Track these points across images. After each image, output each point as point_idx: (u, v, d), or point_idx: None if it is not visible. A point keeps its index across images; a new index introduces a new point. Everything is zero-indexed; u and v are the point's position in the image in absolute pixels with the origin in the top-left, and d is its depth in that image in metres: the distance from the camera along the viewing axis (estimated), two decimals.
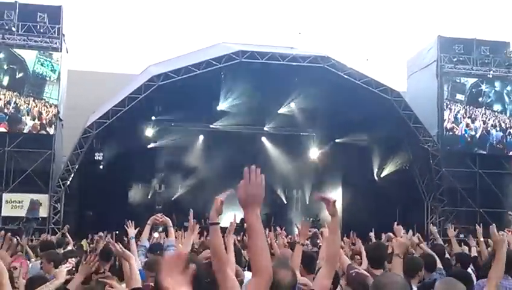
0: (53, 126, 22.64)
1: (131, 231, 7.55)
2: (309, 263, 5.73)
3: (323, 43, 48.23)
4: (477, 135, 24.91)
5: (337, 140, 26.96)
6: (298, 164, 27.80)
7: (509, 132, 25.16)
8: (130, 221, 7.60)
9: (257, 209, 2.84)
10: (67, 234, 13.57)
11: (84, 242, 14.12)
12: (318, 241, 12.04)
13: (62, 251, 9.04)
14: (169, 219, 7.42)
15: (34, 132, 22.48)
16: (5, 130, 22.30)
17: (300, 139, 27.96)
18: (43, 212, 21.81)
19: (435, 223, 24.09)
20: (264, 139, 28.12)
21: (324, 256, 4.27)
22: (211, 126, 26.62)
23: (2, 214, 21.74)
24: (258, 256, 2.83)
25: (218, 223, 3.56)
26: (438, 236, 10.66)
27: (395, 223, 5.75)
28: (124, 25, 51.74)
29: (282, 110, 26.05)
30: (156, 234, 15.00)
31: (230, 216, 7.10)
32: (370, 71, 24.44)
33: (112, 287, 4.53)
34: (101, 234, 13.28)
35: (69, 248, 10.76)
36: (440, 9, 52.44)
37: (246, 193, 2.80)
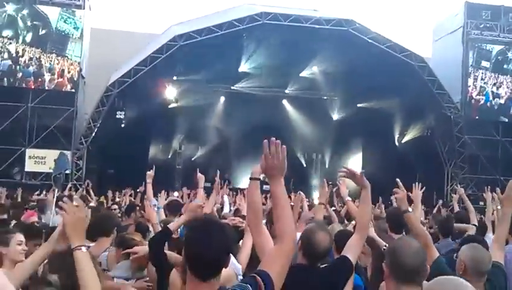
0: (75, 83, 22.72)
1: (162, 202, 7.63)
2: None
3: (347, 7, 47.54)
4: (502, 102, 24.60)
5: (359, 104, 26.79)
6: (319, 128, 27.70)
7: None
8: (163, 192, 7.65)
9: (280, 180, 2.97)
10: (90, 190, 13.83)
11: (103, 198, 14.32)
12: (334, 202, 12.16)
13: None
14: (203, 177, 7.25)
15: (57, 89, 22.59)
16: (31, 87, 22.44)
17: (322, 103, 27.77)
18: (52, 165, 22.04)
19: (455, 190, 24.00)
20: (285, 102, 28.00)
21: (356, 224, 4.28)
22: (232, 88, 26.54)
23: (26, 169, 22.10)
24: (282, 224, 2.89)
25: (259, 179, 3.50)
26: (456, 204, 10.55)
27: (415, 186, 5.63)
28: None
29: (305, 73, 25.88)
30: (175, 193, 15.23)
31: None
32: (395, 36, 24.14)
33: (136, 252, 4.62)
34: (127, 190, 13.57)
35: (91, 204, 10.97)
36: None
37: (268, 165, 2.94)
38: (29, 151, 22.13)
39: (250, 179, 3.55)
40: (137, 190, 13.35)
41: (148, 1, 49.59)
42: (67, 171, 15.12)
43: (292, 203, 8.86)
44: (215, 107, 27.27)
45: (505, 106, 24.59)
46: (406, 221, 4.73)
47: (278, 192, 2.94)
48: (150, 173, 7.68)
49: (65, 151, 15.12)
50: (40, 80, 22.55)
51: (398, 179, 5.00)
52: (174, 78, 25.25)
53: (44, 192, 13.74)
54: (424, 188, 5.62)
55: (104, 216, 6.12)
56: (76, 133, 22.78)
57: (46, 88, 22.57)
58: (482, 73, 24.68)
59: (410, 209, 4.89)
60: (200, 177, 7.12)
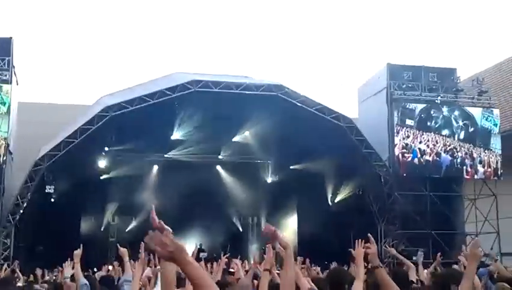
0: (2, 159, 21.99)
1: (68, 271, 7.39)
2: None
3: (276, 72, 48.94)
4: (428, 159, 25.42)
5: (291, 167, 27.16)
6: (253, 192, 27.86)
7: (458, 155, 25.80)
8: (68, 260, 7.45)
9: (183, 259, 2.36)
10: (17, 270, 13.22)
11: (32, 277, 13.68)
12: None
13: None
14: (125, 251, 7.25)
15: None
16: None
17: (255, 167, 28.06)
18: None
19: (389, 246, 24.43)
20: (219, 167, 28.10)
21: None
22: (166, 156, 26.47)
23: None
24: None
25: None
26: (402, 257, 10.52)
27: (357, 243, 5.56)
28: (76, 56, 51.20)
29: (237, 138, 26.14)
30: (110, 267, 14.77)
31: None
32: (323, 98, 24.90)
33: None
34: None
35: (19, 284, 10.49)
36: (389, 37, 53.94)
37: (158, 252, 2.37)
38: None
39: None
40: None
41: (77, 73, 49.45)
42: None
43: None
44: (149, 176, 27.02)
45: (432, 162, 25.41)
46: (377, 277, 4.74)
47: (190, 273, 2.37)
48: (77, 253, 7.35)
49: None
50: None
51: (369, 235, 4.97)
52: (106, 148, 24.93)
53: None
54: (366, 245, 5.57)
55: None
56: (4, 210, 21.88)
57: None
58: (408, 131, 25.55)
59: (381, 264, 4.86)
60: (123, 252, 7.12)
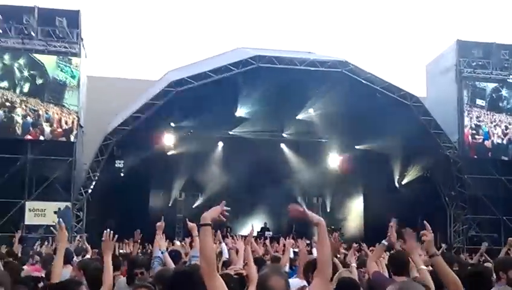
0: (74, 133, 22.58)
1: (163, 245, 7.57)
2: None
3: (342, 48, 48.21)
4: (499, 141, 24.60)
5: (356, 146, 26.78)
6: (318, 171, 27.60)
7: None
8: (156, 235, 7.63)
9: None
10: (85, 242, 13.66)
11: None
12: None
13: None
14: (195, 226, 7.36)
15: (55, 139, 22.48)
16: (31, 138, 22.29)
17: (319, 146, 27.74)
18: (55, 219, 21.71)
19: (458, 231, 23.85)
20: (283, 145, 28.01)
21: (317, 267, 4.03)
22: (230, 133, 26.58)
23: (26, 222, 21.68)
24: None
25: (210, 225, 3.58)
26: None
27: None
28: (142, 30, 52.02)
29: (301, 116, 25.92)
30: (177, 243, 15.04)
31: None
32: (389, 76, 24.38)
33: None
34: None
35: (88, 256, 10.82)
36: (459, 13, 52.05)
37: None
38: (29, 204, 21.80)
39: (201, 225, 3.60)
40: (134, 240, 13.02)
41: (143, 47, 50.24)
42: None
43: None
44: (214, 153, 27.23)
45: (503, 145, 24.58)
46: (434, 266, 4.61)
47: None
48: (160, 224, 7.78)
49: (68, 204, 14.95)
50: (38, 130, 22.42)
51: (425, 221, 4.83)
52: (172, 124, 25.23)
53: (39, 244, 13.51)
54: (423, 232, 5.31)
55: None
56: (76, 183, 22.54)
57: (44, 139, 22.44)
58: (478, 111, 24.76)
59: (438, 253, 4.72)
60: (192, 227, 7.22)
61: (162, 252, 7.35)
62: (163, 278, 5.07)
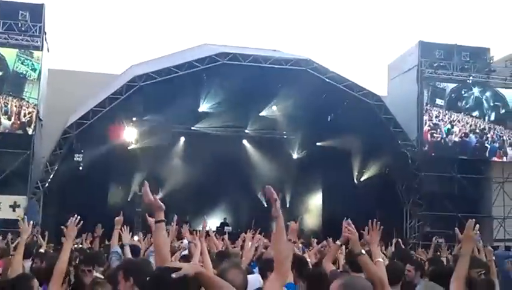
0: (32, 126, 22.24)
1: (126, 237, 7.49)
2: (301, 267, 5.72)
3: (306, 47, 48.53)
4: (456, 140, 25.10)
5: (318, 143, 27.01)
6: (279, 167, 27.73)
7: (487, 137, 25.42)
8: (125, 227, 7.55)
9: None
10: (39, 236, 13.42)
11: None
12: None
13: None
14: (154, 221, 7.28)
15: (13, 132, 22.11)
16: None
17: (281, 142, 27.94)
18: (20, 214, 21.38)
19: (414, 227, 24.33)
20: (245, 141, 28.08)
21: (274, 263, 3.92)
22: (193, 128, 26.51)
23: None
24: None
25: (164, 221, 3.62)
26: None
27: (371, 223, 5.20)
28: (106, 24, 51.40)
29: (264, 112, 26.07)
30: (136, 237, 14.90)
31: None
32: (351, 75, 24.64)
33: None
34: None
35: (41, 250, 10.64)
36: (421, 14, 52.92)
37: None
38: None
39: (156, 222, 3.68)
40: (94, 234, 12.87)
41: (107, 41, 49.62)
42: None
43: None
44: (176, 147, 27.13)
45: (460, 143, 25.10)
46: (360, 263, 4.71)
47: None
48: (119, 219, 7.66)
49: (19, 197, 14.58)
50: None
51: (349, 220, 4.92)
52: (134, 119, 25.05)
53: None
54: (381, 227, 5.20)
55: None
56: (33, 177, 22.19)
57: (1, 131, 22.03)
58: (437, 111, 25.22)
59: (363, 251, 4.81)
60: (151, 221, 7.14)
61: (123, 245, 7.30)
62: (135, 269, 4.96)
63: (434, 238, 12.15)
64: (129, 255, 7.08)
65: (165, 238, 3.70)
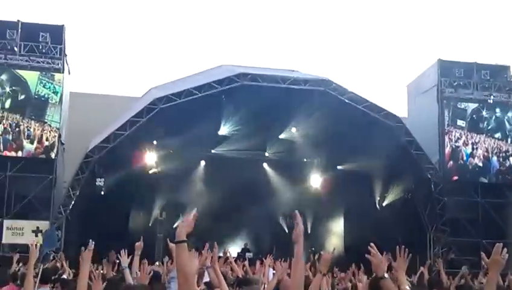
0: (54, 150, 22.31)
1: (125, 260, 7.53)
2: None
3: (324, 67, 48.48)
4: (479, 163, 24.69)
5: (338, 167, 26.80)
6: (299, 191, 27.47)
7: (510, 159, 25.00)
8: (123, 250, 7.59)
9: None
10: (63, 262, 13.42)
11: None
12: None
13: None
14: (174, 246, 7.30)
15: (36, 156, 22.21)
16: (10, 155, 21.98)
17: (301, 166, 27.74)
18: (39, 240, 21.29)
19: (438, 254, 23.81)
20: (265, 165, 27.95)
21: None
22: (213, 151, 26.50)
23: (3, 241, 21.39)
24: None
25: (186, 241, 3.51)
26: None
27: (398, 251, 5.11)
28: (126, 47, 51.87)
29: (283, 135, 25.97)
30: (156, 263, 14.90)
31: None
32: (371, 95, 24.45)
33: None
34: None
35: (64, 276, 10.66)
36: (440, 32, 52.67)
37: None
38: (7, 222, 21.48)
39: (177, 242, 3.53)
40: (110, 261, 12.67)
41: (127, 64, 50.11)
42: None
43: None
44: (196, 171, 27.09)
45: (483, 166, 24.68)
46: (383, 288, 4.60)
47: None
48: (139, 245, 7.73)
49: (42, 222, 14.32)
50: (18, 147, 22.14)
51: (372, 244, 4.76)
52: (154, 142, 25.10)
53: (20, 264, 13.27)
54: (410, 255, 5.07)
55: None
56: (55, 201, 22.22)
57: (25, 156, 22.14)
58: (458, 132, 24.88)
59: (386, 275, 4.71)
60: (173, 247, 7.15)
61: (124, 268, 7.35)
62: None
63: (464, 267, 11.84)
64: (129, 278, 7.14)
65: (187, 258, 3.54)
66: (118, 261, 10.86)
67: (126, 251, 7.75)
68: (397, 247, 4.99)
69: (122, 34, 50.14)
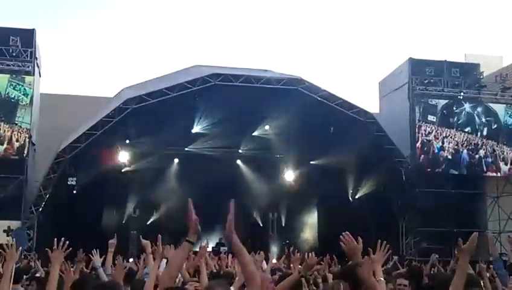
0: (25, 151, 22.20)
1: (97, 260, 7.48)
2: None
3: (296, 66, 48.84)
4: (449, 156, 25.17)
5: (312, 162, 27.02)
6: (273, 186, 27.68)
7: (480, 152, 25.51)
8: (94, 250, 7.54)
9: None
10: (36, 261, 13.30)
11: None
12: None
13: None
14: (148, 243, 7.33)
15: (6, 157, 22.04)
16: None
17: (275, 162, 27.90)
18: (10, 240, 21.16)
19: (410, 244, 24.25)
20: (239, 161, 28.06)
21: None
22: (186, 149, 26.48)
23: None
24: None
25: (193, 243, 3.65)
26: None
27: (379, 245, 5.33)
28: (97, 48, 51.58)
29: (257, 132, 26.10)
30: (131, 260, 14.85)
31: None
32: (343, 93, 24.74)
33: None
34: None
35: (38, 275, 10.59)
36: (411, 31, 53.45)
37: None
38: None
39: (186, 240, 3.70)
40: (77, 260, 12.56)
41: (98, 65, 49.77)
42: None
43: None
44: (169, 169, 27.06)
45: (453, 159, 25.16)
46: (357, 275, 4.60)
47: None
48: (112, 242, 7.65)
49: (18, 223, 14.27)
50: None
51: (347, 232, 4.67)
52: (127, 141, 25.02)
53: None
54: (390, 251, 5.07)
55: None
56: (27, 201, 22.08)
57: None
58: (429, 127, 25.31)
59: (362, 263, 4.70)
60: (145, 244, 7.18)
61: (97, 267, 7.32)
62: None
63: (432, 255, 12.05)
64: (104, 277, 7.11)
65: (183, 259, 3.80)
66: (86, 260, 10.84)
67: (98, 250, 7.68)
68: (379, 241, 4.99)
69: (94, 35, 49.81)
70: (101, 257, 8.27)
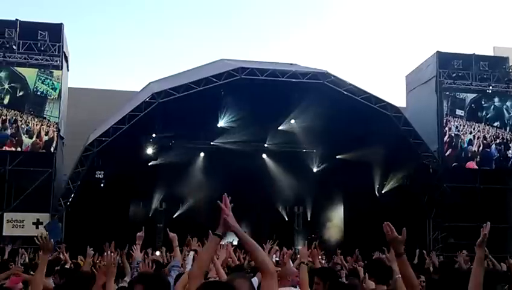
0: (54, 144, 22.52)
1: (138, 255, 7.57)
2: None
3: (322, 59, 48.61)
4: (478, 150, 24.85)
5: (337, 156, 26.91)
6: (299, 181, 27.67)
7: (509, 146, 25.14)
8: (135, 245, 7.62)
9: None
10: (64, 253, 13.48)
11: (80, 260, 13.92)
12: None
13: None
14: (175, 236, 7.41)
15: (35, 151, 22.37)
16: (9, 149, 22.14)
17: (301, 156, 27.88)
18: (43, 232, 21.53)
19: (437, 239, 23.99)
20: (264, 156, 28.07)
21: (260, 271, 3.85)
22: (212, 143, 26.60)
23: (3, 234, 21.55)
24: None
25: (221, 237, 3.62)
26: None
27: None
28: (125, 42, 51.98)
29: (283, 126, 26.09)
30: (157, 253, 14.96)
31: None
32: (370, 87, 24.55)
33: None
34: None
35: (66, 266, 10.74)
36: (439, 25, 52.79)
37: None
38: (7, 215, 21.70)
39: (214, 234, 3.65)
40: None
41: (125, 59, 50.17)
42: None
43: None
44: (195, 163, 27.22)
45: (482, 154, 24.84)
46: (399, 265, 4.47)
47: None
48: (140, 235, 7.74)
49: (42, 214, 14.41)
50: (17, 142, 22.27)
51: (388, 222, 4.62)
52: (153, 135, 25.28)
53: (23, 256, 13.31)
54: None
55: None
56: (55, 194, 22.40)
57: (24, 150, 22.29)
58: (457, 121, 25.02)
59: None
60: (172, 237, 7.24)
61: (137, 262, 7.37)
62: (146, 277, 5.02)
63: (459, 252, 11.93)
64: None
65: (212, 253, 3.83)
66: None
67: (138, 245, 7.78)
68: (403, 229, 4.86)
69: (121, 29, 50.17)
70: (126, 249, 8.36)
